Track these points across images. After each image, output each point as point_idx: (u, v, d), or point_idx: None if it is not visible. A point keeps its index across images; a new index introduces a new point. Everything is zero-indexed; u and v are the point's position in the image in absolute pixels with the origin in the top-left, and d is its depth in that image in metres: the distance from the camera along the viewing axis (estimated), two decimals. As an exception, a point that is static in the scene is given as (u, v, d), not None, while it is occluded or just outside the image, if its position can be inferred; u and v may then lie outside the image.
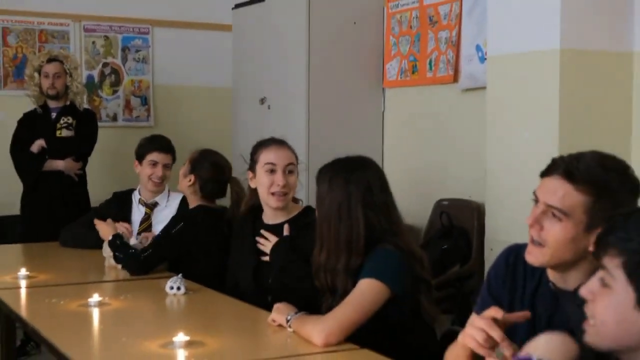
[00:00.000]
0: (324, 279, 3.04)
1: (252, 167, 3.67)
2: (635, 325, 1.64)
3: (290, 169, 3.59)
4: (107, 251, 4.28)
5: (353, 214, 2.99)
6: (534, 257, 2.31)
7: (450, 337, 2.61)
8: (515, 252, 2.45)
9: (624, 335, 1.65)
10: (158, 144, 4.73)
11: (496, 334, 2.00)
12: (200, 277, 3.83)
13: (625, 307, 1.65)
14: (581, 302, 1.99)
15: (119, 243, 4.14)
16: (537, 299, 2.37)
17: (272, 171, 3.55)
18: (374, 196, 3.03)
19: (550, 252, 2.26)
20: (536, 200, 2.32)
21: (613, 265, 1.67)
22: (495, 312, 2.06)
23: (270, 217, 3.66)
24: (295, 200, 3.77)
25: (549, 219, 2.27)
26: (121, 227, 4.37)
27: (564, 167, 2.24)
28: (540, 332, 2.34)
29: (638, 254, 1.63)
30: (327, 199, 3.05)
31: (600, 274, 1.71)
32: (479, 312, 2.24)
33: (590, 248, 2.18)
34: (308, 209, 3.69)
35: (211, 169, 4.30)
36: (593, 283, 1.72)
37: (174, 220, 4.27)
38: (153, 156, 4.66)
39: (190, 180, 4.29)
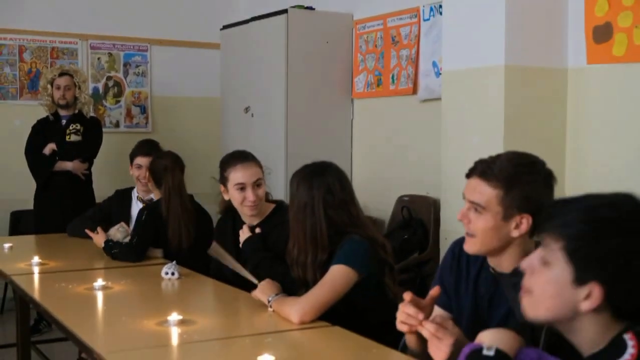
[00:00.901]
0: (297, 272, 3.05)
1: (223, 182, 3.63)
2: (570, 301, 1.64)
3: (258, 183, 3.57)
4: (114, 237, 4.31)
5: (316, 213, 3.01)
6: (468, 246, 2.40)
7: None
8: (460, 245, 2.50)
9: (559, 308, 1.65)
10: (142, 148, 4.78)
11: (411, 310, 2.14)
12: (176, 257, 3.86)
13: (563, 283, 1.64)
14: (517, 282, 2.02)
15: (111, 244, 4.16)
16: (480, 282, 2.44)
17: (242, 189, 3.54)
18: (334, 197, 3.04)
19: (480, 241, 2.34)
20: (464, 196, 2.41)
21: (555, 247, 1.67)
22: (406, 295, 2.19)
23: (246, 219, 3.65)
24: (267, 197, 3.75)
25: (473, 213, 2.35)
26: (120, 225, 4.43)
27: (481, 169, 2.34)
28: (482, 311, 2.41)
29: (576, 240, 1.64)
30: (296, 201, 3.08)
31: (541, 252, 1.70)
32: None
33: (515, 234, 2.29)
34: (280, 205, 3.69)
35: (158, 165, 4.37)
36: (533, 259, 1.71)
37: (140, 212, 4.37)
38: (138, 160, 4.71)
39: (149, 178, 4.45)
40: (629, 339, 1.58)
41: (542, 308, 1.68)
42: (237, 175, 3.55)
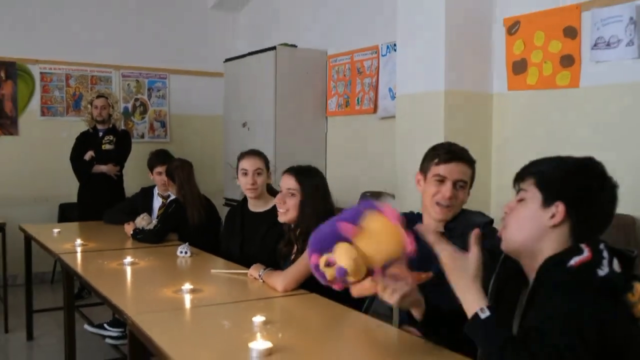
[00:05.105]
0: (295, 242, 3.03)
1: (237, 171, 3.67)
2: (540, 221, 1.63)
3: (258, 172, 3.58)
4: (139, 224, 4.31)
5: (327, 195, 3.07)
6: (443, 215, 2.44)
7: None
8: (409, 216, 2.56)
9: (531, 229, 1.64)
10: (159, 158, 4.80)
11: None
12: (188, 239, 3.86)
13: (534, 209, 1.65)
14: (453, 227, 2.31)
15: (138, 231, 4.15)
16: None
17: (245, 174, 3.57)
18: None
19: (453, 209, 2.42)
20: (442, 180, 2.42)
21: (528, 185, 1.68)
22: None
23: (253, 206, 3.66)
24: (274, 193, 3.74)
25: (459, 189, 2.42)
26: (144, 215, 4.47)
27: (458, 154, 2.47)
28: (429, 257, 2.41)
29: (545, 174, 1.67)
30: (313, 184, 3.03)
31: (517, 196, 1.72)
32: None
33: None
34: None
35: (171, 167, 4.42)
36: (511, 202, 1.73)
37: (169, 204, 4.38)
38: (158, 168, 4.71)
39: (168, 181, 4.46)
40: (584, 246, 1.57)
41: (519, 233, 1.66)
42: (243, 163, 3.61)
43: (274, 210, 3.57)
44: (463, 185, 2.40)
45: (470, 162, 2.45)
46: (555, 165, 1.68)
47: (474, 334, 1.57)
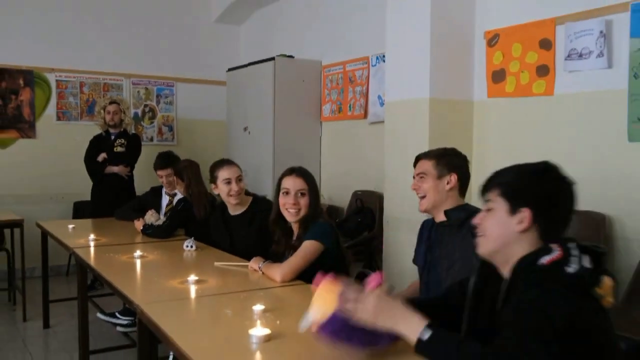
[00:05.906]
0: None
1: (213, 181, 3.63)
2: (509, 227, 1.63)
3: (239, 178, 3.58)
4: (148, 220, 4.29)
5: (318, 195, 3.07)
6: (421, 205, 2.62)
7: (361, 276, 2.67)
8: (424, 221, 2.78)
9: (502, 236, 1.64)
10: (158, 162, 4.78)
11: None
12: (194, 234, 3.84)
13: (502, 217, 1.65)
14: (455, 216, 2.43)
15: (147, 226, 4.13)
16: (432, 232, 2.65)
17: (228, 182, 3.54)
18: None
19: (427, 198, 2.58)
20: (414, 176, 2.64)
21: (494, 196, 1.68)
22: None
23: (232, 210, 3.64)
24: (247, 193, 3.73)
25: (420, 181, 2.60)
26: (152, 212, 4.42)
27: (423, 154, 2.67)
28: (435, 247, 2.60)
29: (509, 184, 1.67)
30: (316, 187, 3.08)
31: (485, 207, 1.72)
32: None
33: (447, 188, 2.54)
34: (256, 198, 3.68)
35: (179, 167, 4.40)
36: (481, 214, 1.73)
37: (178, 202, 4.35)
38: (158, 172, 4.74)
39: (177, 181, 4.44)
40: (555, 246, 1.57)
41: (491, 240, 1.67)
42: (224, 173, 3.57)
43: (249, 209, 3.59)
44: (423, 176, 2.58)
45: (428, 156, 2.63)
46: (516, 174, 1.68)
47: (425, 356, 1.55)
